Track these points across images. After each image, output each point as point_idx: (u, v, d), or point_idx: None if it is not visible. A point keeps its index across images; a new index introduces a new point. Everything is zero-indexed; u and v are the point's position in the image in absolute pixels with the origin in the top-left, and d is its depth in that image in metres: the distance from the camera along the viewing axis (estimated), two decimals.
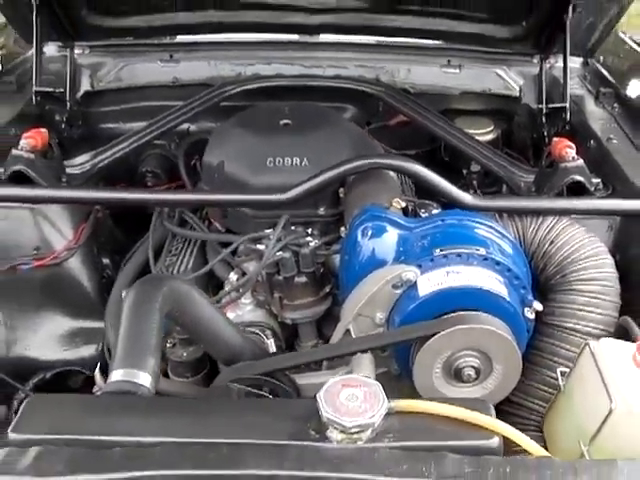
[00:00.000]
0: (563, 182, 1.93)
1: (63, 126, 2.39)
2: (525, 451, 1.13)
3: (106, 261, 2.14)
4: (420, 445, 1.08)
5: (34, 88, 2.28)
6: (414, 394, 1.49)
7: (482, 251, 1.55)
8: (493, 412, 1.14)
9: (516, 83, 2.58)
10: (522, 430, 1.13)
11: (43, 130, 2.06)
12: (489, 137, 2.52)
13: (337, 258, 1.81)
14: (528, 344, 1.66)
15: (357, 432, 1.06)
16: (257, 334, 1.73)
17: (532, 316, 1.55)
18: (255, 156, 1.96)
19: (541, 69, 2.50)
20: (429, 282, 1.50)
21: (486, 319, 1.43)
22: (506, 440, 1.11)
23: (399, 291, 1.53)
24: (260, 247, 1.79)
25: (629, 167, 1.97)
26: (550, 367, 1.64)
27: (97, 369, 1.63)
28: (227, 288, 1.85)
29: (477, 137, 2.40)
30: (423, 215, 1.73)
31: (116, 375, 1.21)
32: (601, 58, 2.65)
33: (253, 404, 1.30)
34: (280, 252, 1.76)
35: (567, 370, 1.54)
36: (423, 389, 1.49)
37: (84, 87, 2.55)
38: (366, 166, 1.83)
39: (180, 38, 2.65)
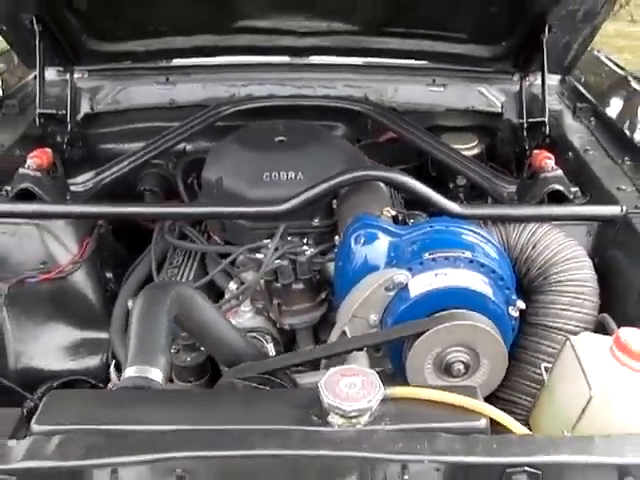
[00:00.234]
0: (543, 191, 2.05)
1: (64, 147, 2.48)
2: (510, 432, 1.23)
3: (109, 275, 2.22)
4: (414, 427, 1.17)
5: (37, 110, 2.38)
6: None
7: (468, 254, 1.66)
8: (480, 397, 1.24)
9: (498, 100, 2.71)
10: None
11: (48, 150, 2.16)
12: (474, 152, 2.64)
13: (332, 266, 1.91)
14: (514, 343, 1.76)
15: (356, 416, 1.16)
16: (257, 339, 1.83)
17: (516, 314, 1.65)
18: (252, 171, 2.07)
19: (521, 86, 2.62)
20: (419, 284, 1.60)
21: (473, 317, 1.53)
22: (492, 422, 1.21)
23: (391, 293, 1.63)
24: (259, 256, 1.89)
25: (605, 176, 2.09)
26: (534, 364, 1.73)
27: (112, 367, 1.71)
28: (227, 296, 1.94)
29: (462, 152, 2.53)
30: (412, 223, 1.83)
31: (129, 372, 1.30)
32: (581, 77, 2.80)
33: (258, 394, 1.39)
34: (278, 260, 1.86)
35: (550, 365, 1.64)
36: (416, 384, 1.58)
37: (84, 109, 2.65)
38: (358, 178, 1.93)
39: (176, 61, 2.76)
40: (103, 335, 2.08)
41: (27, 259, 2.02)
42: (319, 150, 2.13)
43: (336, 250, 1.86)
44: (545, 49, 2.40)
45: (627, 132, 2.28)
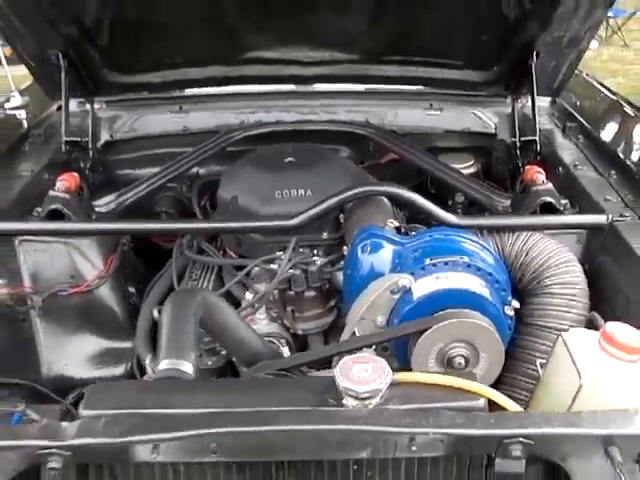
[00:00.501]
0: (535, 203, 2.21)
1: (87, 172, 2.65)
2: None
3: (132, 289, 2.37)
4: (420, 407, 1.32)
5: (63, 138, 2.55)
6: None
7: (466, 259, 1.81)
8: (478, 380, 1.38)
9: (492, 121, 2.87)
10: None
11: (75, 174, 2.34)
12: (470, 170, 2.81)
13: (340, 275, 2.06)
14: (512, 343, 1.91)
15: (368, 397, 1.30)
16: (273, 343, 1.97)
17: (511, 313, 1.79)
18: (265, 189, 2.23)
19: (513, 108, 2.79)
20: (421, 286, 1.75)
21: (472, 315, 1.67)
22: (490, 402, 1.35)
23: (396, 296, 1.78)
24: (273, 267, 2.05)
25: (592, 189, 2.25)
26: (531, 361, 1.87)
27: (147, 359, 1.86)
28: (244, 304, 2.09)
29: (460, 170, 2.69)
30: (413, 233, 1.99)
31: (163, 365, 1.45)
32: (571, 99, 2.97)
33: (281, 382, 1.54)
34: (291, 270, 2.01)
35: (545, 361, 1.78)
36: None
37: (104, 137, 2.82)
38: (362, 193, 2.10)
39: (189, 91, 2.92)
40: (127, 345, 2.23)
41: (57, 274, 2.18)
42: (325, 169, 2.30)
43: (344, 260, 2.01)
44: (534, 73, 2.56)
45: (612, 148, 2.45)
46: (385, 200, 2.18)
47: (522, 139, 2.67)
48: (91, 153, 2.69)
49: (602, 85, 3.20)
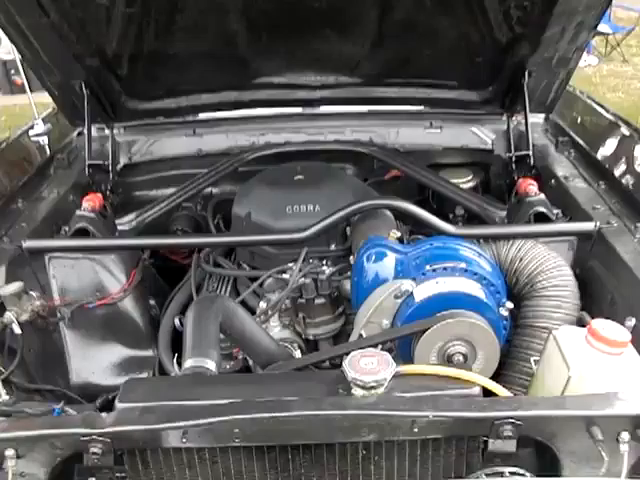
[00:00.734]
0: (529, 213, 2.36)
1: (108, 193, 2.82)
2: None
3: (152, 302, 2.53)
4: (421, 394, 1.47)
5: (87, 162, 2.73)
6: None
7: (463, 265, 1.96)
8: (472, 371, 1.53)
9: (489, 138, 3.02)
10: None
11: (99, 195, 2.51)
12: (469, 184, 2.97)
13: (348, 283, 2.21)
14: (509, 342, 2.06)
15: (374, 387, 1.45)
16: (286, 347, 2.12)
17: (506, 313, 1.94)
18: (276, 206, 2.39)
19: (508, 125, 2.95)
20: (423, 290, 1.90)
21: (469, 315, 1.82)
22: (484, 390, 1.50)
23: (399, 300, 1.93)
24: (285, 276, 2.20)
25: (582, 198, 2.40)
26: (526, 359, 2.00)
27: (174, 359, 2.01)
28: (258, 312, 2.24)
29: (459, 185, 2.85)
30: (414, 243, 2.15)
31: (188, 363, 1.61)
32: (563, 115, 3.13)
33: (294, 375, 1.69)
34: (302, 279, 2.17)
35: (538, 359, 1.93)
36: None
37: (123, 160, 3.00)
38: (367, 207, 2.26)
39: (202, 115, 3.09)
40: (149, 353, 2.38)
41: (84, 288, 2.34)
42: (332, 186, 2.46)
43: (351, 268, 2.17)
44: (526, 92, 2.73)
45: (601, 160, 2.61)
46: (388, 213, 2.34)
47: (517, 154, 2.83)
48: (111, 175, 2.86)
49: (593, 101, 3.36)
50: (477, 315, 1.84)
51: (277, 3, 2.44)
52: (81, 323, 2.32)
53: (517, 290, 2.15)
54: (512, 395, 1.53)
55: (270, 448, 1.44)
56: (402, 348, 1.91)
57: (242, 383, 1.56)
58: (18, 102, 8.47)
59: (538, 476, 1.42)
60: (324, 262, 2.26)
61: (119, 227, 2.57)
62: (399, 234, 2.15)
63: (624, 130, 2.76)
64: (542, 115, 3.11)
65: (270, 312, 2.20)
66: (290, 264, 2.24)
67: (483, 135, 3.04)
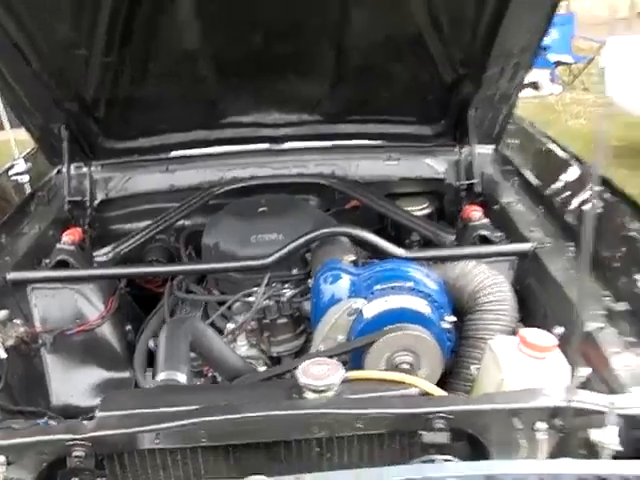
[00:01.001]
0: (472, 236, 2.60)
1: (86, 227, 3.01)
2: None
3: (128, 327, 2.71)
4: (365, 396, 1.67)
5: (66, 199, 2.93)
6: None
7: (410, 284, 2.18)
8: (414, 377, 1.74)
9: (441, 168, 3.24)
10: None
11: (78, 229, 2.71)
12: (424, 212, 3.20)
13: (308, 304, 2.42)
14: (455, 353, 2.27)
15: (324, 390, 1.65)
16: (252, 363, 2.32)
17: (448, 326, 2.16)
18: (242, 235, 2.60)
19: (459, 156, 3.20)
20: (372, 308, 2.11)
21: (413, 327, 2.04)
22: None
23: (352, 317, 2.14)
24: (251, 299, 2.41)
25: (522, 223, 2.64)
26: (468, 367, 2.22)
27: (151, 376, 2.20)
28: (226, 332, 2.44)
29: (415, 213, 3.09)
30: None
31: (161, 376, 1.80)
32: (511, 146, 3.39)
33: (256, 384, 1.89)
34: (265, 301, 2.37)
35: (479, 366, 2.14)
36: None
37: (100, 196, 3.19)
38: (324, 234, 2.48)
39: (174, 153, 3.27)
40: (126, 375, 2.56)
41: (64, 315, 2.52)
42: (294, 216, 2.69)
43: (310, 290, 2.38)
44: (472, 126, 2.99)
45: (540, 188, 2.86)
46: (344, 240, 2.56)
47: (465, 182, 3.07)
48: (89, 211, 3.06)
49: (538, 131, 3.64)
50: (421, 328, 2.05)
51: (243, 50, 2.67)
52: (61, 348, 2.50)
53: (461, 306, 2.36)
54: (446, 394, 1.74)
55: (235, 448, 1.63)
56: (355, 359, 2.11)
57: (209, 392, 1.76)
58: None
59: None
60: (286, 285, 2.47)
61: (97, 259, 2.76)
62: (353, 258, 2.37)
63: (562, 158, 3.02)
64: (491, 146, 3.35)
65: (237, 332, 2.40)
66: (255, 288, 2.44)
67: (436, 166, 3.27)
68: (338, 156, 3.32)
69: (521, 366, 1.90)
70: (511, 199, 2.86)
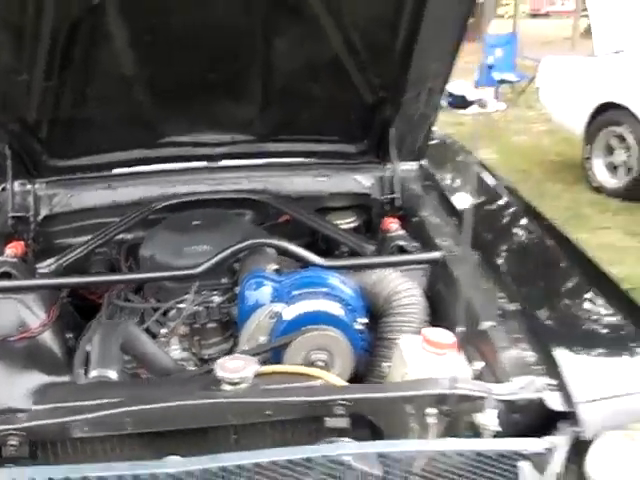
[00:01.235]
0: (391, 247, 2.83)
1: (30, 242, 3.16)
2: None
3: (69, 335, 2.85)
4: (277, 388, 1.88)
5: (9, 214, 3.08)
6: None
7: (326, 290, 2.40)
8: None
9: (367, 184, 3.48)
10: None
11: (21, 242, 2.86)
12: (352, 225, 3.43)
13: (236, 310, 2.62)
14: (370, 352, 2.49)
15: (239, 382, 1.85)
16: (183, 365, 2.51)
17: (360, 327, 2.38)
18: (176, 247, 2.80)
19: (383, 172, 3.45)
20: (291, 311, 2.33)
21: (326, 328, 2.25)
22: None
23: (273, 320, 2.35)
24: (182, 306, 2.60)
25: (435, 233, 2.88)
26: (381, 365, 2.43)
27: (82, 371, 2.36)
28: (159, 336, 2.63)
29: (344, 226, 3.33)
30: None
31: (93, 373, 1.98)
32: (432, 161, 3.65)
33: (177, 379, 2.08)
34: (196, 307, 2.57)
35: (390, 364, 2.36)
36: None
37: (44, 212, 3.32)
38: (249, 246, 2.69)
39: (115, 171, 3.43)
40: (65, 379, 2.68)
41: (6, 324, 2.65)
42: (224, 229, 2.89)
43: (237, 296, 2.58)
44: (394, 144, 3.24)
45: (454, 201, 3.11)
46: (270, 250, 2.77)
47: (388, 197, 3.32)
48: (33, 225, 3.21)
49: (461, 148, 3.92)
50: (334, 329, 2.27)
51: (176, 76, 2.88)
52: (4, 355, 2.63)
53: (377, 310, 2.58)
54: (346, 384, 1.96)
55: (158, 435, 1.82)
56: (275, 358, 2.32)
57: (136, 386, 1.95)
58: None
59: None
60: (215, 293, 2.67)
61: (40, 270, 2.91)
62: (276, 267, 2.58)
63: (478, 174, 3.28)
64: (415, 163, 3.60)
65: (169, 336, 2.59)
66: (187, 295, 2.63)
67: (363, 181, 3.50)
68: (271, 173, 3.51)
69: (423, 361, 2.13)
70: (428, 212, 3.11)
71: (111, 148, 3.32)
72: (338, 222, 3.40)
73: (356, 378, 2.37)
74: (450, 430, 1.90)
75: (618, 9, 8.79)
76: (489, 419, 1.85)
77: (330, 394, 1.81)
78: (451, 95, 14.21)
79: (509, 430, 1.88)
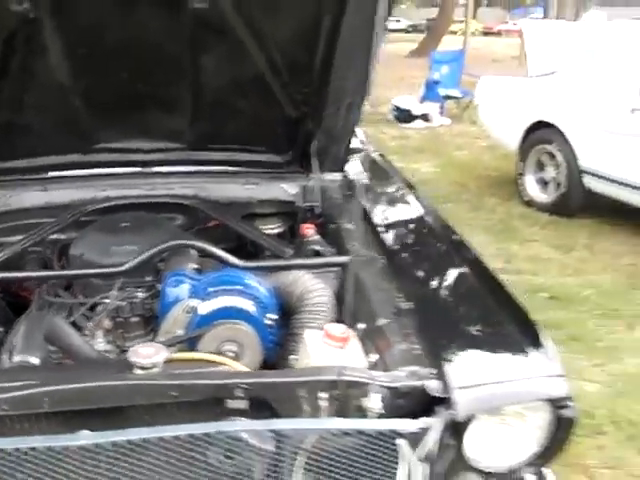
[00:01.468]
0: (306, 251, 3.07)
1: None
2: None
3: (0, 330, 3.02)
4: (183, 372, 2.09)
5: None
6: None
7: (239, 287, 2.62)
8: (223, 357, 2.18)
9: (293, 192, 3.71)
10: None
11: None
12: (277, 231, 3.66)
13: (158, 305, 2.82)
14: (281, 346, 2.72)
15: (150, 368, 2.05)
16: (107, 356, 2.70)
17: (270, 322, 2.60)
18: (104, 247, 2.98)
19: (307, 181, 3.68)
20: (205, 307, 2.54)
21: (236, 322, 2.47)
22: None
23: (190, 314, 2.56)
24: (107, 301, 2.79)
25: (348, 238, 3.13)
26: (290, 357, 2.66)
27: (6, 356, 2.53)
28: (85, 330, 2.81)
29: (269, 231, 3.55)
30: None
31: (16, 359, 2.16)
32: (358, 172, 3.91)
33: (94, 363, 2.27)
34: (120, 302, 2.76)
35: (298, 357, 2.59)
36: None
37: None
38: (171, 247, 2.89)
39: (51, 174, 3.57)
40: None
41: None
42: (150, 231, 3.09)
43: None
44: (316, 156, 3.49)
45: (369, 209, 3.37)
46: (192, 252, 2.98)
47: (309, 204, 3.56)
48: None
49: (384, 160, 4.19)
50: (245, 323, 2.49)
51: (109, 87, 3.08)
52: None
53: (290, 307, 2.81)
54: (246, 370, 2.18)
55: (74, 413, 2.00)
56: (190, 349, 2.52)
57: (55, 370, 2.13)
58: None
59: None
60: (139, 289, 2.86)
61: None
62: (196, 267, 2.80)
63: (397, 185, 3.54)
64: (339, 173, 3.85)
65: (94, 329, 2.76)
66: (112, 292, 2.82)
67: (290, 190, 3.72)
68: (202, 180, 3.70)
69: (324, 353, 2.36)
70: (345, 220, 3.36)
71: (47, 152, 3.47)
72: (264, 227, 3.63)
73: (268, 369, 2.59)
74: (340, 413, 2.13)
75: (550, 33, 9.27)
76: (374, 403, 2.09)
77: (230, 378, 2.03)
78: (397, 109, 14.63)
79: (394, 413, 2.12)
